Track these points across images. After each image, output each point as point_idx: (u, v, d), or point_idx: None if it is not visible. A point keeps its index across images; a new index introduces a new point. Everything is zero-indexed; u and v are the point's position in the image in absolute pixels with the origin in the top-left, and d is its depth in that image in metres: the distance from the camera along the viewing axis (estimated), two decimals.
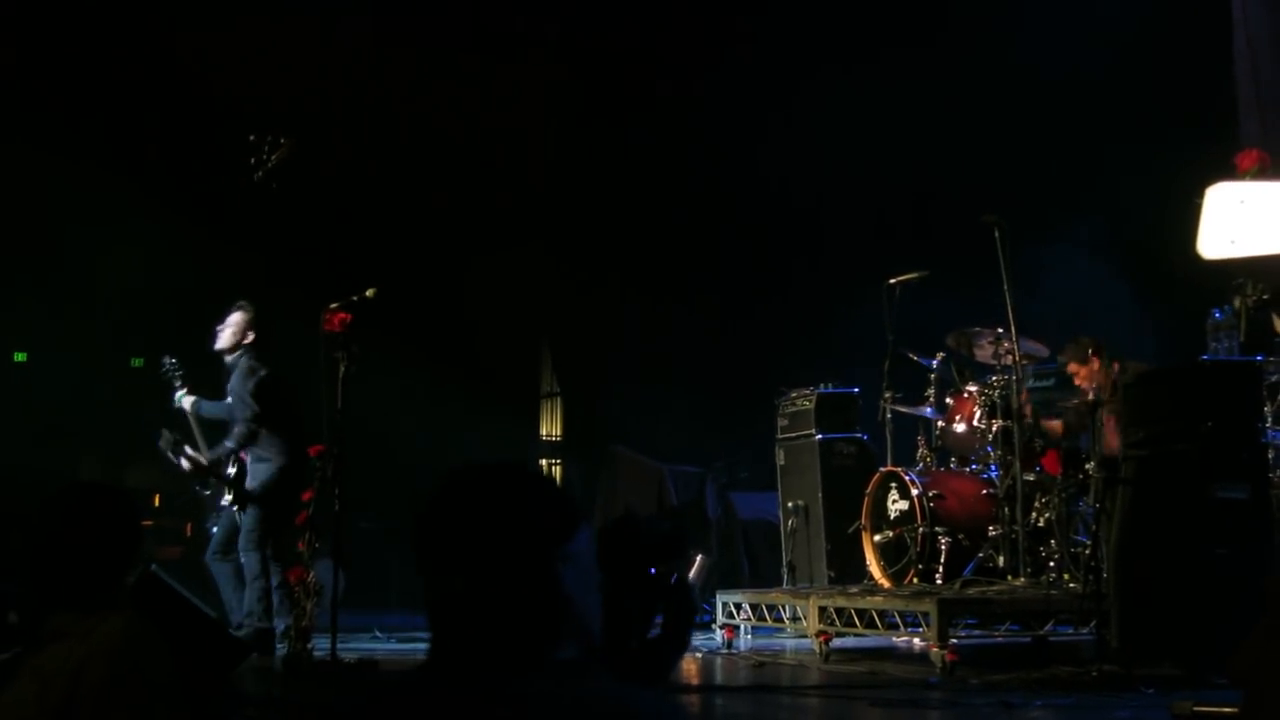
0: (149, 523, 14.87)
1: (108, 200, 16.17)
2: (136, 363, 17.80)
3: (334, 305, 10.37)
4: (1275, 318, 5.22)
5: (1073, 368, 11.74)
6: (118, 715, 3.85)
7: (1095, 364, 11.53)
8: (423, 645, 10.54)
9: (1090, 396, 10.89)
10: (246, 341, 11.91)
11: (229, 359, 11.94)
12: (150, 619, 4.26)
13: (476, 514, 2.58)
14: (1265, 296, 5.15)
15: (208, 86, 16.75)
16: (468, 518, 2.59)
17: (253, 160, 11.03)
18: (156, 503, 15.50)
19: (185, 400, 12.14)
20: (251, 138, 11.04)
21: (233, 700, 7.71)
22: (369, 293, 10.48)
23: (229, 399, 11.85)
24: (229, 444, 11.67)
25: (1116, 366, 11.42)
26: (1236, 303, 9.46)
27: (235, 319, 11.93)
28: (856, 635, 11.39)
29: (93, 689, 3.83)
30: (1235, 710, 5.18)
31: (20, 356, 17.93)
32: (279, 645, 11.08)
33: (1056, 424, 12.00)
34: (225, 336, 11.95)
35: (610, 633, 2.82)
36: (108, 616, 4.00)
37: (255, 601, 11.37)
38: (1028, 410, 11.75)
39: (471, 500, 2.62)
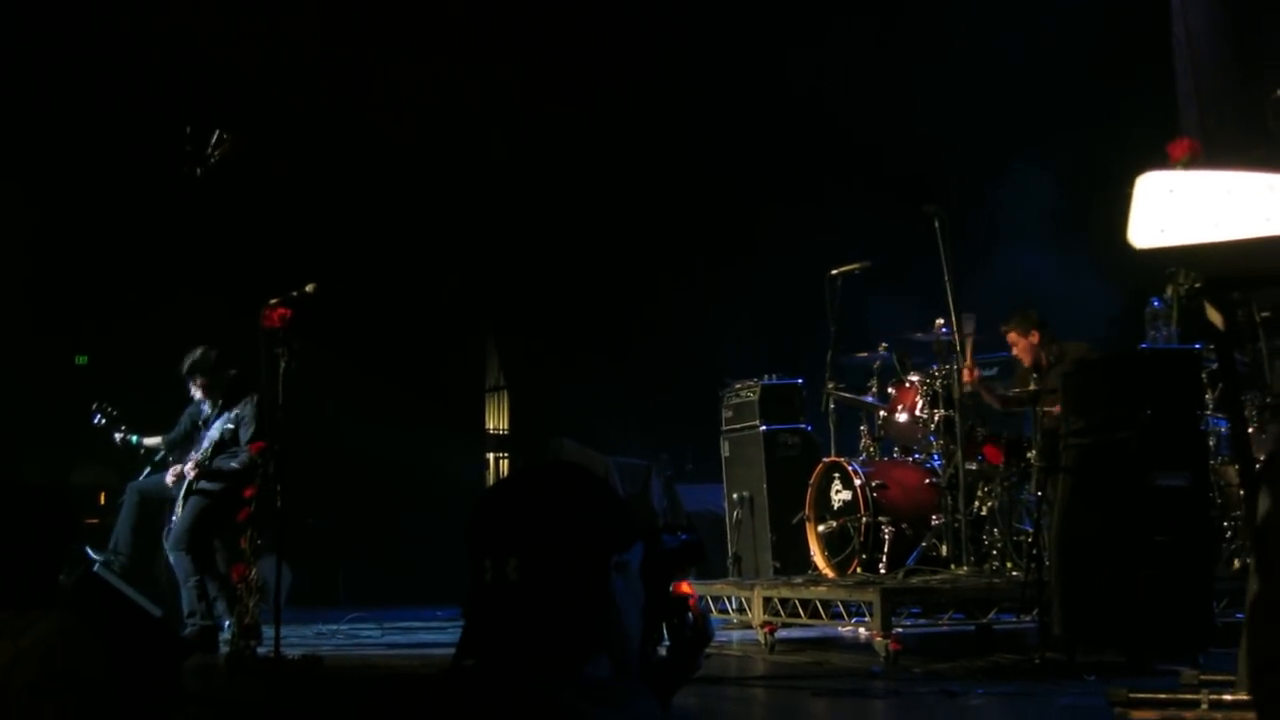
0: (94, 521, 14.76)
1: (50, 189, 16.10)
2: (81, 360, 17.69)
3: (274, 301, 10.32)
4: (1208, 306, 5.24)
5: (1013, 337, 11.82)
6: (48, 714, 3.83)
7: (1035, 337, 11.63)
8: (370, 642, 10.54)
9: (1031, 385, 10.96)
10: (227, 378, 11.87)
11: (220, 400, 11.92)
12: (87, 618, 4.24)
13: (543, 500, 2.50)
14: (1197, 285, 5.19)
15: (149, 76, 16.67)
16: (534, 502, 2.50)
17: (196, 155, 10.97)
18: (102, 501, 15.39)
19: (139, 439, 12.29)
20: (188, 129, 10.97)
21: (175, 698, 7.68)
22: (309, 288, 10.42)
23: (228, 427, 11.76)
24: (233, 464, 11.59)
25: (1056, 349, 11.53)
26: (1169, 291, 9.53)
27: (194, 383, 11.92)
28: (801, 625, 11.40)
29: (23, 688, 3.80)
30: (1169, 696, 5.22)
31: None
32: (222, 642, 11.05)
33: (995, 399, 12.07)
34: (205, 393, 11.92)
35: (643, 652, 2.71)
36: (41, 616, 3.98)
37: (194, 601, 11.34)
38: (974, 374, 11.79)
39: (539, 487, 2.55)
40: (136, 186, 15.77)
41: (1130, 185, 4.85)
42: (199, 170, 10.88)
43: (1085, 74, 15.32)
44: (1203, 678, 5.40)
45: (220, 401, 11.82)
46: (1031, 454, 11.06)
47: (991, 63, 15.09)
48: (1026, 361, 11.78)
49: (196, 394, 12.00)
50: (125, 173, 16.26)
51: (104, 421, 12.47)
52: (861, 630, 11.16)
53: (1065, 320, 12.32)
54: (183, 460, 11.84)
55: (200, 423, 11.94)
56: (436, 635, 13.08)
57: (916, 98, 16.28)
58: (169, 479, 11.80)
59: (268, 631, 10.09)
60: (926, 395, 11.99)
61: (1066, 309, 12.89)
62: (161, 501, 12.04)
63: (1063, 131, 15.03)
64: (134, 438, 12.46)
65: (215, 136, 10.88)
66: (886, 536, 11.65)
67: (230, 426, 11.61)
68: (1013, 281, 13.43)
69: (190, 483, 11.61)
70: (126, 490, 12.29)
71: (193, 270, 15.79)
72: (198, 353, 11.88)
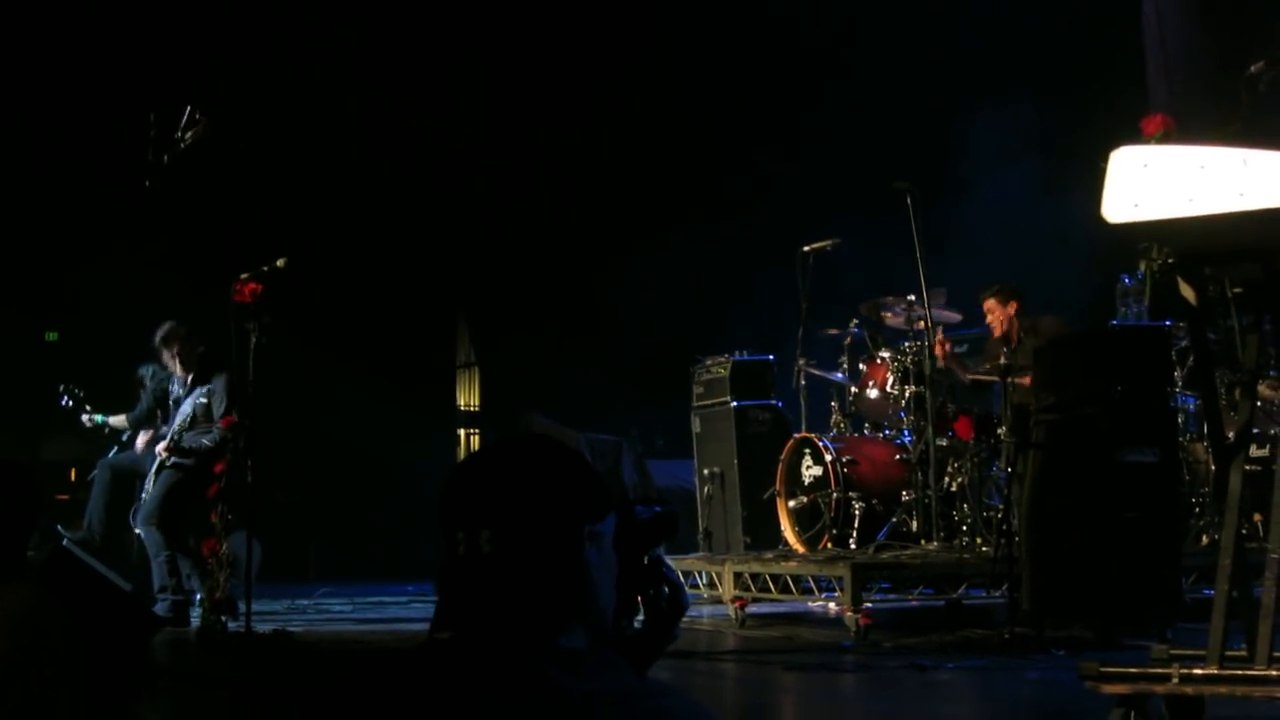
0: (65, 497, 14.75)
1: (14, 169, 16.04)
2: (51, 336, 17.64)
3: (244, 275, 10.31)
4: (1180, 282, 5.27)
5: (990, 304, 11.78)
6: (19, 687, 3.81)
7: (1013, 308, 11.63)
8: (340, 616, 10.54)
9: (1001, 359, 10.98)
10: (198, 354, 11.86)
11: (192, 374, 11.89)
12: (57, 592, 4.23)
13: (516, 471, 2.48)
14: (1170, 261, 5.21)
15: (118, 53, 16.61)
16: (506, 474, 2.48)
17: (166, 138, 10.91)
18: (72, 476, 15.35)
19: (106, 419, 12.37)
20: (152, 117, 10.92)
21: (145, 672, 7.67)
22: (280, 263, 10.41)
23: (200, 402, 11.74)
24: (205, 441, 11.55)
25: (1028, 322, 11.55)
26: (1142, 267, 9.56)
27: (169, 352, 11.89)
28: (772, 600, 11.45)
29: None
30: (1140, 670, 5.24)
31: None
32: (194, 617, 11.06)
33: (963, 373, 12.13)
34: (177, 366, 11.90)
35: (617, 624, 2.67)
36: (9, 591, 3.97)
37: (165, 576, 11.32)
38: (945, 346, 11.81)
39: (512, 458, 2.52)
40: (106, 160, 15.70)
41: (1104, 160, 4.87)
42: (168, 155, 10.83)
43: (1053, 54, 15.36)
44: (1173, 652, 5.41)
45: (191, 376, 11.80)
46: (1002, 430, 11.09)
47: (964, 30, 15.16)
48: (998, 332, 11.77)
49: (169, 367, 11.98)
50: (94, 146, 16.21)
51: (71, 403, 12.50)
52: (832, 605, 11.19)
53: (1037, 295, 12.35)
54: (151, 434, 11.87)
55: (171, 401, 11.93)
56: (407, 610, 13.10)
57: (888, 70, 16.30)
58: (139, 444, 11.84)
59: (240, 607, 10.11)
60: (897, 371, 12.01)
61: (1038, 284, 12.92)
62: (133, 476, 12.05)
63: (1034, 103, 15.06)
64: (99, 418, 12.48)
65: (186, 117, 10.82)
66: (857, 512, 11.67)
67: (203, 401, 11.59)
68: (985, 256, 13.46)
69: (161, 460, 11.60)
70: (97, 467, 12.30)
71: (163, 245, 15.73)
72: (168, 325, 11.86)
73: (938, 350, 11.71)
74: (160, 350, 11.94)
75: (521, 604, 2.41)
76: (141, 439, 11.91)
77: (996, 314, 11.77)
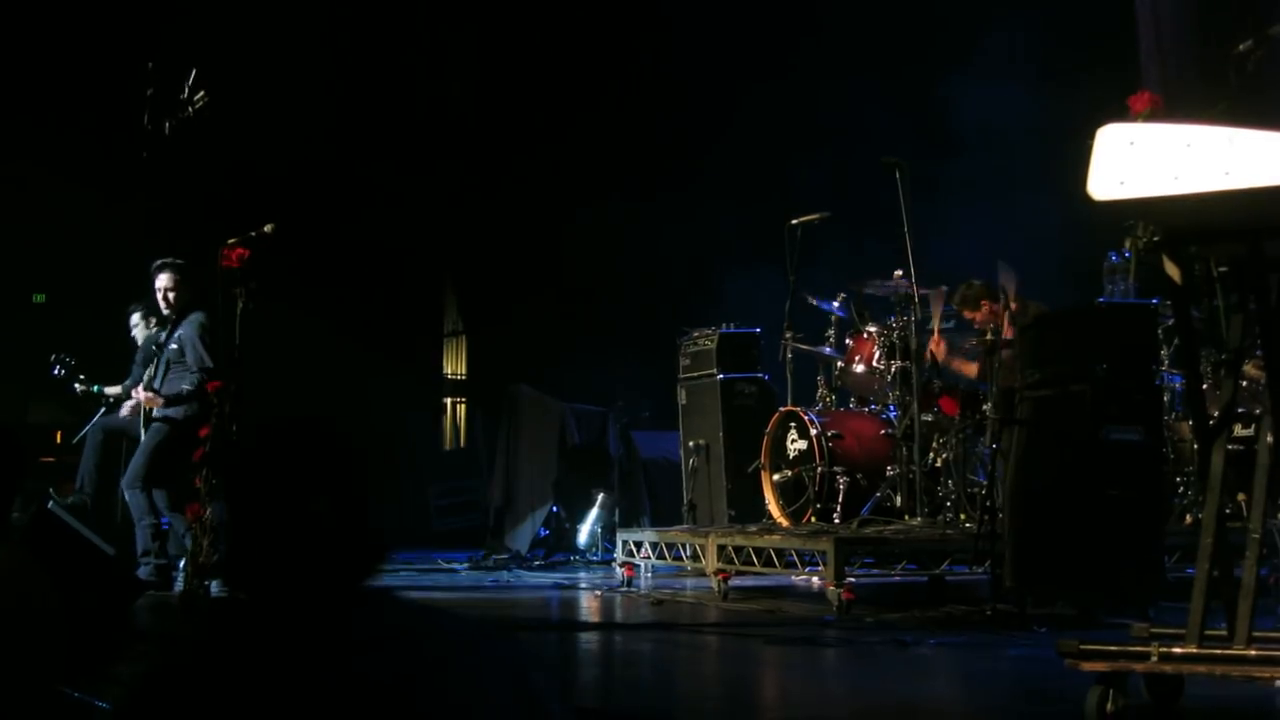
0: (50, 459, 14.75)
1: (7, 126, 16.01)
2: (38, 298, 17.62)
3: (232, 241, 10.30)
4: (1165, 260, 5.27)
5: (968, 314, 11.78)
6: None
7: (986, 307, 11.57)
8: None
9: (989, 337, 10.94)
10: (185, 299, 11.81)
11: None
12: (40, 555, 4.23)
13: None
14: (1155, 239, 5.21)
15: (110, 13, 16.55)
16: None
17: (169, 106, 10.91)
18: (58, 439, 15.36)
19: (101, 388, 12.37)
20: (148, 73, 10.90)
21: (125, 635, 7.67)
22: (267, 228, 10.42)
23: (172, 348, 11.71)
24: (185, 388, 11.52)
25: (1015, 306, 11.48)
26: (1128, 244, 9.54)
27: (167, 282, 11.81)
28: (755, 574, 11.43)
29: None
30: (1119, 648, 5.25)
31: None
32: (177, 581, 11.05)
33: (971, 367, 12.05)
34: (173, 300, 11.83)
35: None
36: None
37: (149, 540, 11.31)
38: (942, 349, 11.79)
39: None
40: (96, 123, 15.67)
41: (1091, 137, 4.87)
42: (169, 124, 10.83)
43: (1045, 33, 15.33)
44: (1153, 630, 5.42)
45: (172, 319, 11.78)
46: (987, 406, 11.07)
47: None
48: (1007, 332, 11.59)
49: (156, 302, 11.94)
50: (85, 107, 16.17)
51: (63, 373, 12.47)
52: (815, 579, 11.19)
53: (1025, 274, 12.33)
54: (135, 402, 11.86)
55: (154, 354, 11.92)
56: (389, 579, 13.08)
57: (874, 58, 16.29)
58: (124, 411, 11.84)
59: None
60: (884, 346, 12.00)
61: (1025, 262, 12.91)
62: (123, 438, 12.04)
63: (1021, 83, 15.04)
64: (95, 387, 12.47)
65: (189, 86, 10.82)
66: (841, 486, 11.68)
67: (175, 348, 11.57)
68: (972, 232, 13.45)
69: (147, 412, 11.59)
70: (89, 428, 12.30)
71: (152, 207, 15.71)
72: (169, 259, 11.82)
73: (935, 349, 11.69)
74: (153, 278, 11.82)
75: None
76: (127, 406, 11.90)
77: (978, 318, 11.66)
